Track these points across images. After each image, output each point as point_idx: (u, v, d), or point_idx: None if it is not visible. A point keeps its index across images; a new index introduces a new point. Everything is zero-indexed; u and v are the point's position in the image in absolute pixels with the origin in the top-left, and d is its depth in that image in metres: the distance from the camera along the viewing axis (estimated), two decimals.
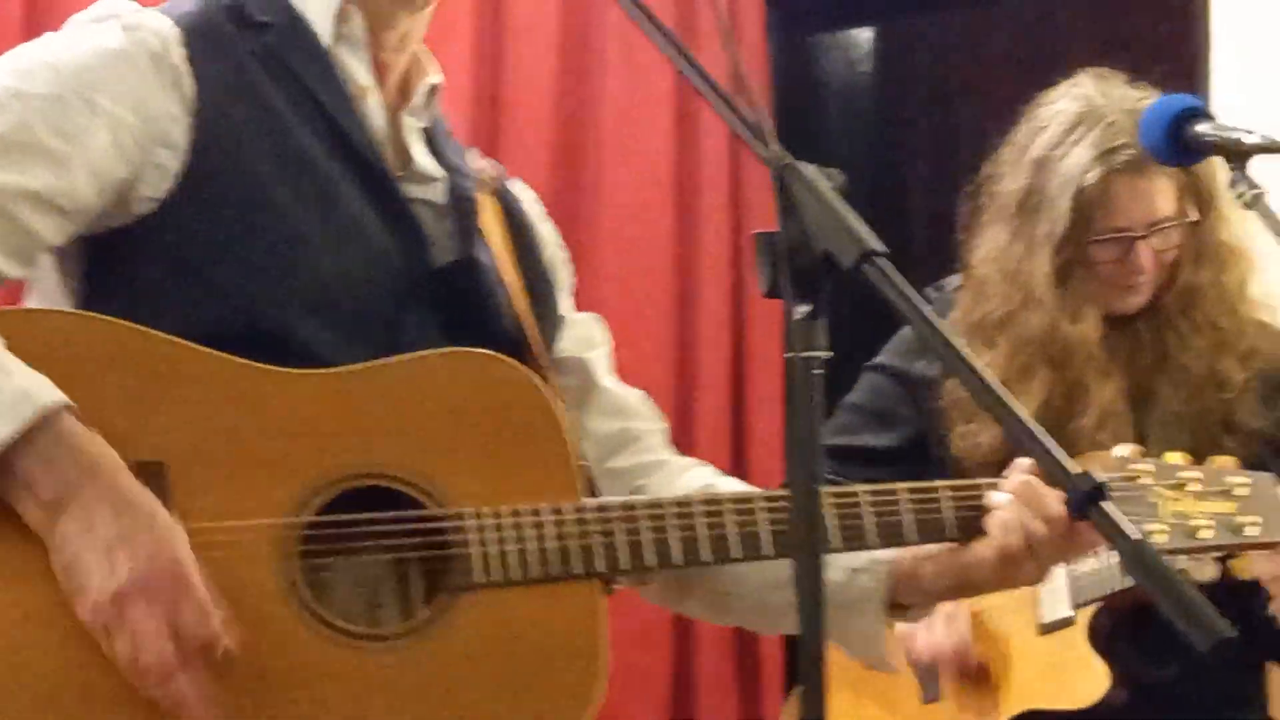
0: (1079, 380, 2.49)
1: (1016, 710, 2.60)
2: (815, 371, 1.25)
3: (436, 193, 1.80)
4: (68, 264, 1.64)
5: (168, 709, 1.43)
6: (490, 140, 3.54)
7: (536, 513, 1.63)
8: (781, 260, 1.27)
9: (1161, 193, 2.46)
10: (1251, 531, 1.90)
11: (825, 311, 1.27)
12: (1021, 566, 1.70)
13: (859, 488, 1.68)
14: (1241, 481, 1.91)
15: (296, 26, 1.75)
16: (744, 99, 1.41)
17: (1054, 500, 1.64)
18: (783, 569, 1.58)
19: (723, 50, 1.51)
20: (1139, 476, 1.88)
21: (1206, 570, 2.07)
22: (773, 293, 1.28)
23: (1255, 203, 1.98)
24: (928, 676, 2.67)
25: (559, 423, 1.68)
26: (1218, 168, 2.31)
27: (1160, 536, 1.86)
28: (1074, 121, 2.49)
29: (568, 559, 1.64)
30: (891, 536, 1.70)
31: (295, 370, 1.59)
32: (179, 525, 1.47)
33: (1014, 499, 1.68)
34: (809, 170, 1.29)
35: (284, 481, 1.55)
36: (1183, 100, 2.08)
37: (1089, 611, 2.51)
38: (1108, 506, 1.23)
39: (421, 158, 1.79)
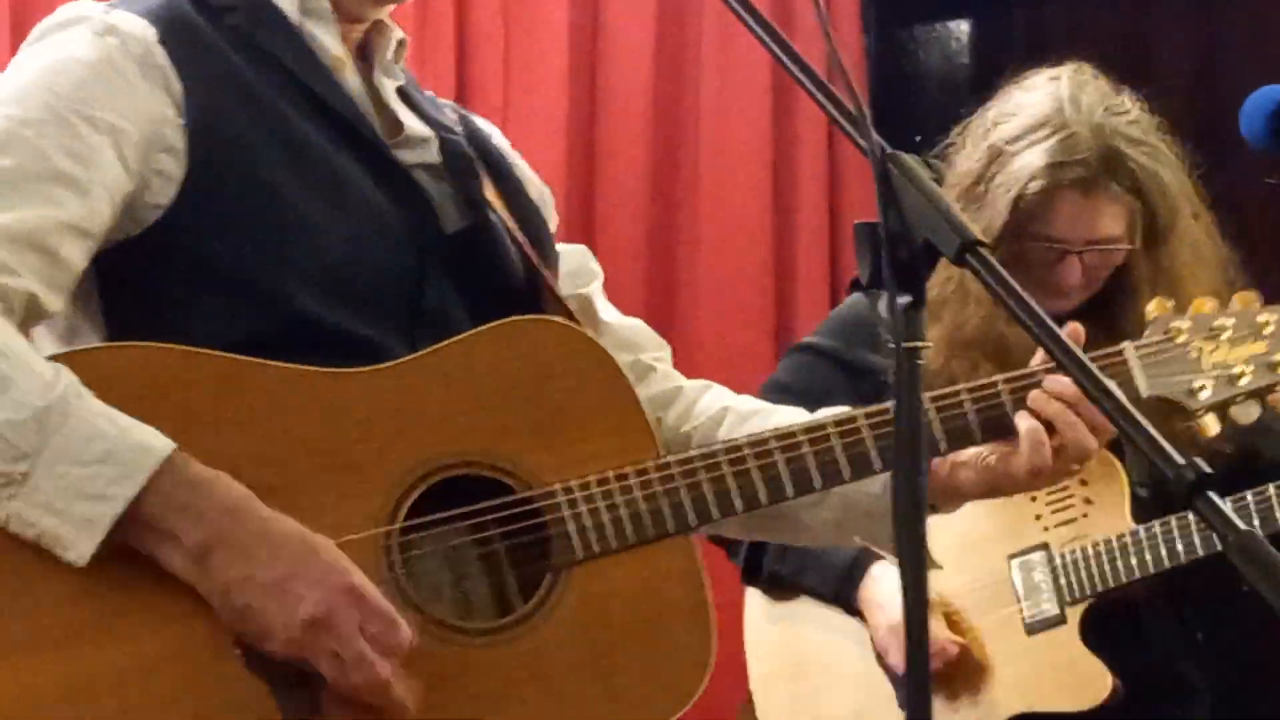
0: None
1: (1017, 710, 2.70)
2: (919, 361, 1.32)
3: (430, 154, 1.88)
4: (83, 284, 1.71)
5: (390, 714, 1.60)
6: (588, 132, 3.94)
7: (623, 476, 1.72)
8: (883, 251, 1.33)
9: (1105, 215, 2.60)
10: None
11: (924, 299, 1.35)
12: (1053, 475, 1.83)
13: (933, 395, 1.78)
14: (1268, 319, 2.01)
15: (261, 6, 1.81)
16: (842, 90, 1.47)
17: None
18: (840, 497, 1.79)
19: (822, 42, 1.55)
20: (1177, 335, 1.98)
21: (1251, 411, 2.10)
22: (874, 283, 1.35)
23: None
24: (901, 684, 2.70)
25: (622, 374, 1.77)
26: (1166, 188, 2.61)
27: (1206, 391, 1.97)
28: (1039, 121, 2.62)
29: (661, 519, 1.73)
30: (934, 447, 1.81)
31: (352, 370, 1.69)
32: (331, 543, 1.60)
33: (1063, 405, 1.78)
34: (909, 160, 1.35)
35: (370, 487, 1.65)
36: None
37: (1079, 610, 2.64)
38: (1214, 496, 1.22)
39: (410, 120, 1.87)
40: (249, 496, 1.60)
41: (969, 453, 1.84)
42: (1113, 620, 2.67)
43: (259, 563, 1.60)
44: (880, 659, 2.71)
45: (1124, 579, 2.62)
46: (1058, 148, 2.54)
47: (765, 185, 4.08)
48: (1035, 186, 2.55)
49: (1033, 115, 2.59)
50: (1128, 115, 2.59)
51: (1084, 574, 2.66)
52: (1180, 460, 1.23)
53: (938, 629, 2.63)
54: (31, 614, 1.62)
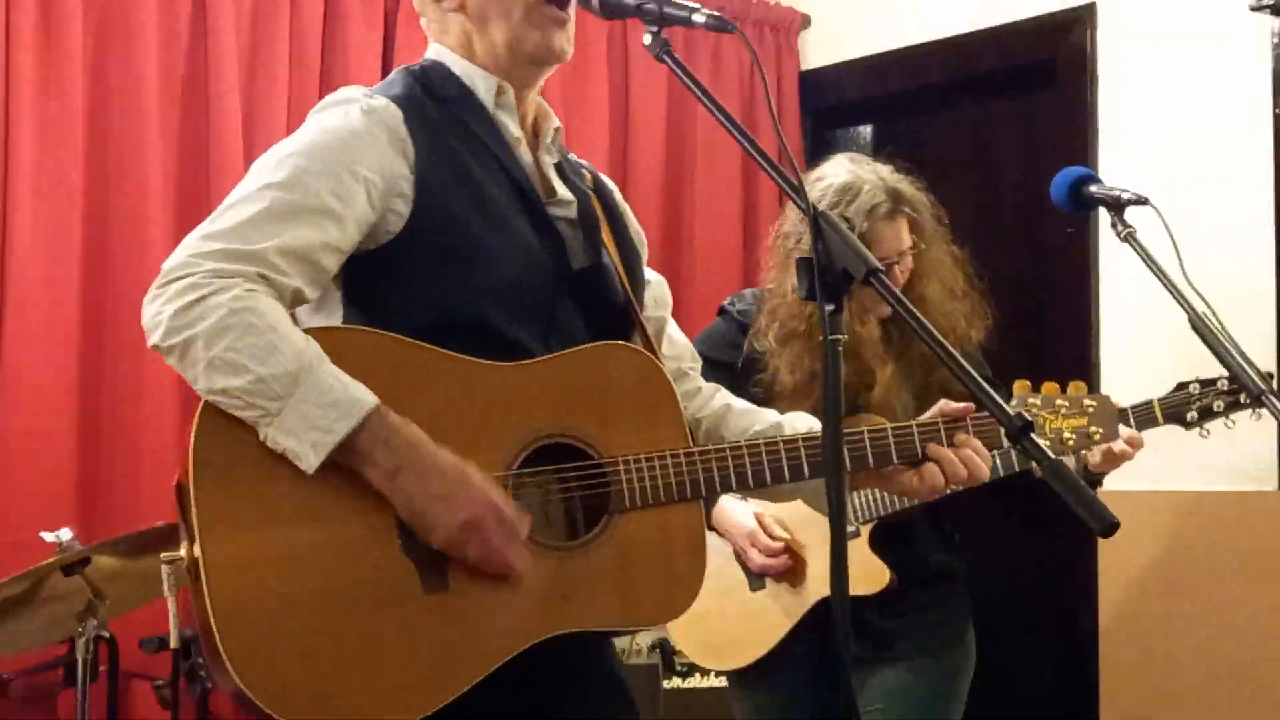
0: (868, 366, 3.09)
1: (824, 595, 3.11)
2: (839, 350, 1.69)
3: (570, 211, 2.19)
4: (336, 281, 2.04)
5: (511, 580, 1.95)
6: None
7: (663, 457, 2.07)
8: (816, 275, 1.72)
9: (903, 230, 3.10)
10: (1096, 437, 2.52)
11: (845, 309, 1.71)
12: (929, 490, 2.17)
13: (863, 429, 2.16)
14: (1090, 402, 2.50)
15: (469, 99, 2.14)
16: (788, 168, 1.85)
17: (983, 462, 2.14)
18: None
19: (774, 137, 2.07)
20: (1032, 408, 2.45)
21: (1070, 462, 2.64)
22: (810, 296, 1.72)
23: (1128, 239, 2.59)
24: (752, 573, 3.23)
25: (673, 391, 2.14)
26: (927, 207, 3.12)
27: (1045, 444, 2.13)
28: (843, 188, 3.10)
29: (684, 488, 2.08)
30: (864, 462, 2.16)
31: (498, 364, 2.02)
32: (480, 472, 1.93)
33: (966, 448, 2.15)
34: (832, 216, 1.73)
35: (499, 443, 2.01)
36: (1080, 170, 2.69)
37: (868, 528, 3.12)
38: (1035, 436, 1.66)
39: (560, 187, 2.19)
40: (426, 438, 1.92)
41: (890, 469, 2.20)
42: (891, 532, 3.11)
43: (431, 483, 1.91)
44: (739, 559, 3.20)
45: (898, 508, 3.08)
46: (865, 199, 3.06)
47: (739, 232, 4.65)
48: (864, 227, 3.03)
49: (838, 186, 3.09)
50: (889, 169, 3.14)
51: (872, 505, 3.10)
52: (1013, 413, 1.68)
53: (777, 540, 3.14)
54: (275, 501, 1.92)
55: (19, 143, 3.48)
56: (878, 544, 3.10)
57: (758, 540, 3.14)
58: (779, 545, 3.14)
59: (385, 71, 3.87)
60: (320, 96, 3.24)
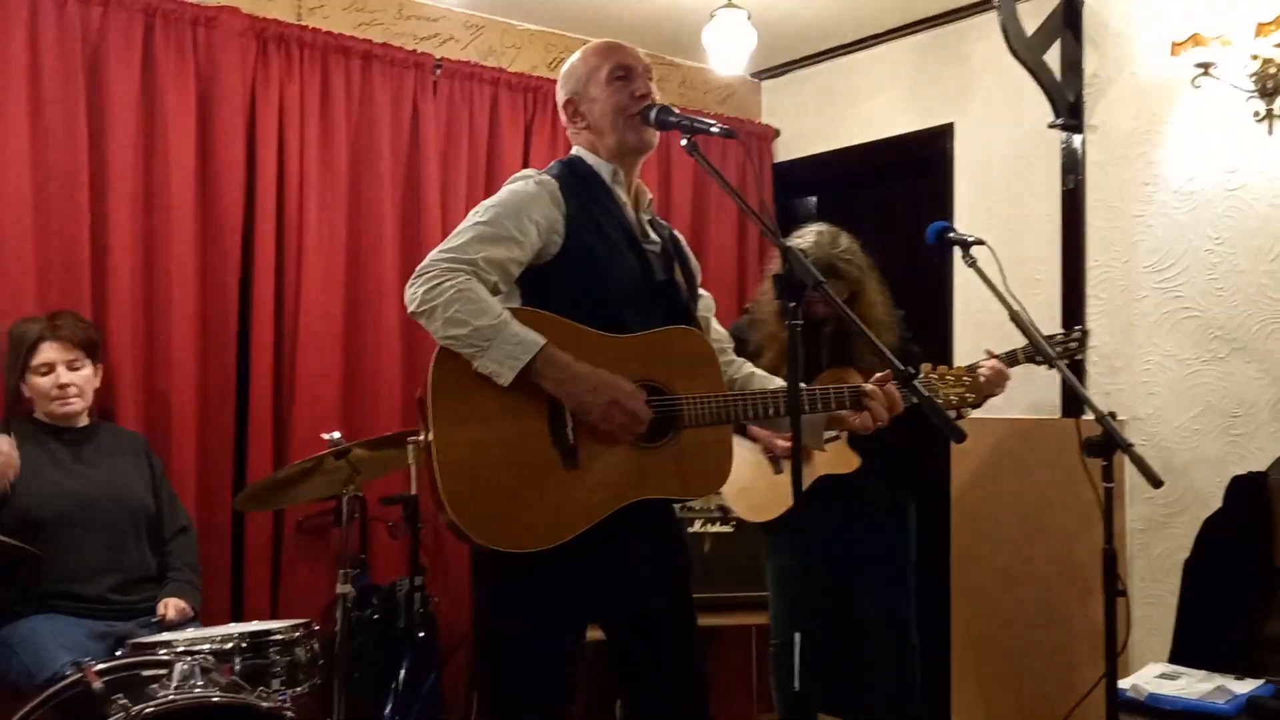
0: (813, 354, 3.20)
1: (820, 474, 3.26)
2: (798, 333, 1.82)
3: (656, 248, 2.29)
4: (516, 285, 2.14)
5: (636, 434, 2.04)
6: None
7: (708, 397, 2.16)
8: (784, 285, 1.87)
9: (836, 285, 3.12)
10: (969, 398, 2.52)
11: (802, 306, 1.82)
12: (864, 426, 2.23)
13: (816, 388, 2.21)
14: (969, 378, 2.54)
15: (596, 177, 2.24)
16: (769, 217, 2.15)
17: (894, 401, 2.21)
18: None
19: (758, 201, 2.45)
20: (931, 379, 2.52)
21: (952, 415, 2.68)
22: (780, 297, 1.86)
23: (972, 265, 2.61)
24: (775, 461, 3.34)
25: (716, 358, 2.25)
26: (859, 259, 3.19)
27: (941, 401, 2.45)
28: (807, 247, 3.14)
29: (720, 416, 2.16)
30: (829, 405, 2.23)
31: (610, 334, 2.12)
32: (621, 379, 2.04)
33: (877, 398, 2.21)
34: (793, 249, 1.88)
35: None
36: (942, 223, 2.74)
37: (845, 434, 3.16)
38: (916, 383, 1.90)
39: (650, 233, 2.30)
40: (576, 360, 2.01)
41: (840, 412, 2.23)
42: (862, 439, 2.89)
43: (585, 383, 2.02)
44: (767, 453, 3.30)
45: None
46: (814, 256, 3.10)
47: (733, 266, 4.65)
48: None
49: (804, 245, 3.16)
50: (841, 247, 3.20)
51: None
52: (902, 368, 1.88)
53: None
54: (480, 406, 2.01)
55: (308, 207, 3.62)
56: (854, 444, 3.25)
57: (776, 439, 3.29)
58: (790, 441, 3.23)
59: (525, 162, 4.05)
60: (486, 179, 4.03)
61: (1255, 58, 3.19)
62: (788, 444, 2.96)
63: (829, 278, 3.10)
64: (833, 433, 3.00)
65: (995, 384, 2.96)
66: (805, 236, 3.24)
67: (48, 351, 2.97)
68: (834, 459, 3.29)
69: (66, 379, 2.99)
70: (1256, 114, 3.23)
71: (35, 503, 2.88)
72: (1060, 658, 3.64)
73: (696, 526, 3.92)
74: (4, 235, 3.13)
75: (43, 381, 2.98)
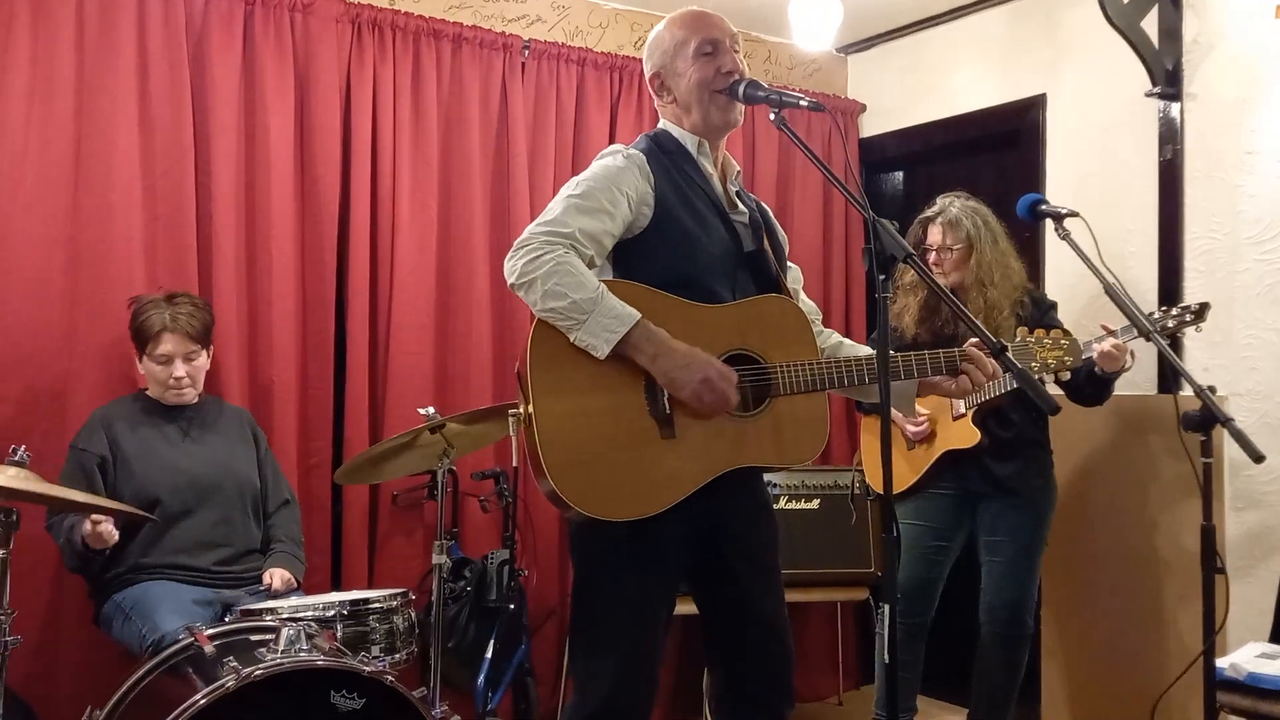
0: (947, 318, 3.31)
1: (946, 448, 3.31)
2: (888, 305, 1.80)
3: (744, 218, 2.28)
4: (608, 256, 2.16)
5: (729, 410, 2.04)
6: None
7: (802, 365, 2.15)
8: (872, 257, 1.82)
9: (935, 231, 3.33)
10: (1067, 361, 2.54)
11: (892, 280, 1.80)
12: (962, 391, 2.23)
13: (910, 354, 2.22)
14: (1066, 341, 2.57)
15: (683, 151, 2.24)
16: (855, 189, 2.15)
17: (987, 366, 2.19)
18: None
19: (846, 174, 2.46)
20: (1029, 344, 2.55)
21: (1046, 378, 2.78)
22: (870, 272, 1.80)
23: (1065, 238, 2.73)
24: (908, 439, 3.39)
25: (809, 325, 2.24)
26: (970, 221, 3.30)
27: (1036, 367, 2.49)
28: (933, 204, 3.41)
29: (814, 383, 2.15)
30: (924, 372, 2.22)
31: (701, 304, 2.13)
32: (713, 358, 2.04)
33: (974, 364, 2.20)
34: (883, 220, 1.83)
35: (708, 353, 2.08)
36: (1035, 195, 2.89)
37: (971, 410, 3.26)
38: (1009, 355, 1.86)
39: (739, 204, 2.30)
40: (670, 336, 2.01)
41: (936, 378, 2.23)
42: (994, 413, 3.25)
43: (678, 359, 2.01)
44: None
45: (985, 398, 3.19)
46: (932, 211, 3.39)
47: (818, 237, 4.64)
48: (917, 229, 3.36)
49: (931, 210, 3.40)
50: (964, 202, 3.37)
51: (972, 397, 3.19)
52: (995, 341, 1.85)
53: (920, 418, 3.33)
54: (577, 378, 2.02)
55: (401, 188, 3.66)
56: (979, 421, 3.24)
57: (907, 424, 3.34)
58: (922, 422, 3.32)
59: (611, 140, 4.04)
60: (573, 158, 4.11)
61: None
62: (915, 427, 3.33)
63: (948, 228, 3.30)
64: (961, 409, 3.28)
65: (1115, 359, 2.96)
66: (940, 197, 3.40)
67: (168, 343, 3.04)
68: (956, 434, 3.28)
69: (181, 372, 3.05)
70: None
71: (149, 482, 2.97)
72: (1154, 636, 3.59)
73: (783, 503, 3.91)
74: (116, 220, 3.24)
75: (159, 370, 3.05)
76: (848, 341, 2.40)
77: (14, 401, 3.09)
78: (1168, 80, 3.57)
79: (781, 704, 2.24)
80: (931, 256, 3.31)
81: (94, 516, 2.72)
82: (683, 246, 2.13)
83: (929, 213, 3.39)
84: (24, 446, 2.31)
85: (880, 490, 3.18)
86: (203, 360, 3.15)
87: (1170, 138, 3.62)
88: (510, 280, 2.03)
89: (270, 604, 2.72)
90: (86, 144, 3.21)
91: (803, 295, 2.38)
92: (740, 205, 2.29)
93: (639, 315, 2.00)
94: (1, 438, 2.94)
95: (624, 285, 2.08)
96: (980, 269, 3.26)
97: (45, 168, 3.16)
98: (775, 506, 3.87)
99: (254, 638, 2.51)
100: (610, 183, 2.10)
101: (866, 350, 2.33)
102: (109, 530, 2.76)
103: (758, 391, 2.14)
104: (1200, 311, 2.97)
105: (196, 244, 3.37)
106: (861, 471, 3.70)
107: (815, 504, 3.90)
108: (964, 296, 3.27)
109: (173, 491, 2.98)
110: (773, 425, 2.14)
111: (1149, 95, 3.61)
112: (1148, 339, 2.68)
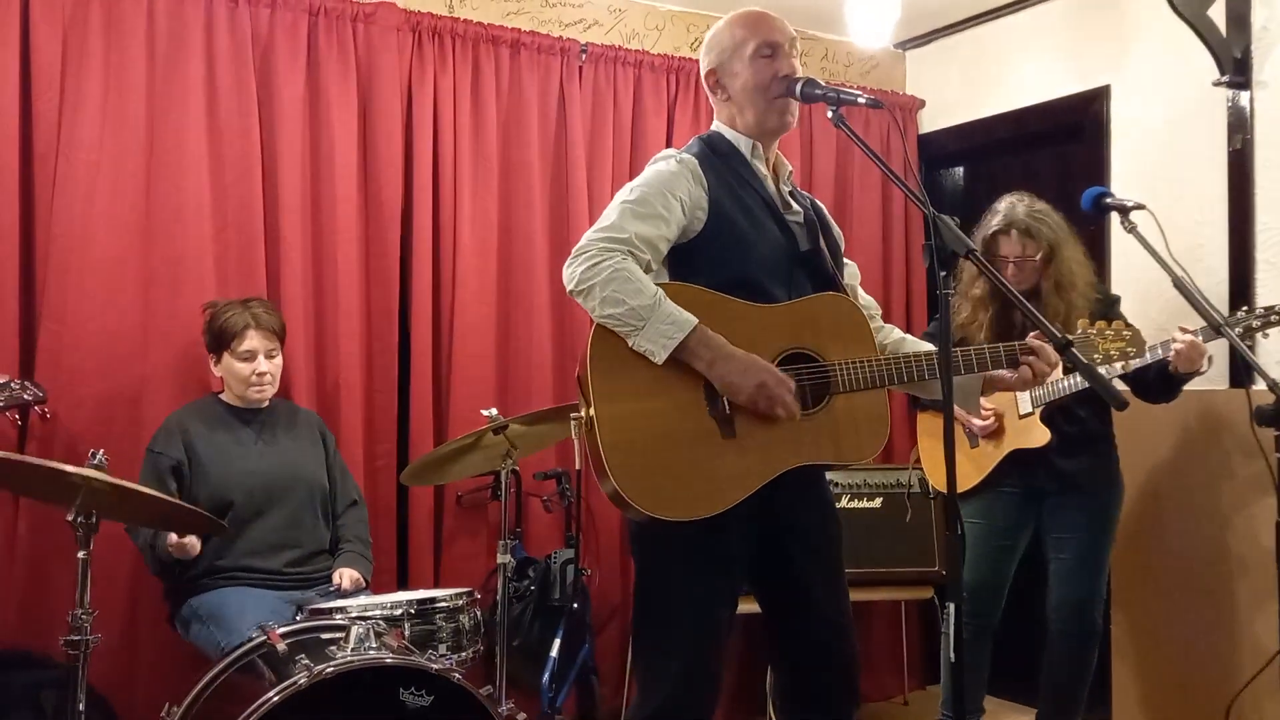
0: (1012, 320, 3.22)
1: (1012, 448, 3.26)
2: (950, 301, 1.86)
3: (799, 218, 2.28)
4: (664, 260, 2.17)
5: (786, 418, 2.04)
6: None
7: (861, 363, 2.16)
8: (933, 253, 1.82)
9: (1012, 242, 3.20)
10: (1130, 352, 2.48)
11: (954, 277, 1.89)
12: (1024, 384, 2.21)
13: (970, 348, 2.22)
14: (1128, 332, 2.50)
15: (736, 153, 2.25)
16: (915, 186, 1.93)
17: (1051, 356, 2.18)
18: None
19: (905, 171, 2.51)
20: (1091, 335, 2.46)
21: (1115, 370, 2.78)
22: (931, 269, 1.79)
23: (1132, 231, 2.68)
24: (972, 436, 3.35)
25: (867, 322, 2.23)
26: (1046, 226, 3.19)
27: (1098, 356, 2.43)
28: (996, 213, 3.27)
29: (874, 380, 2.16)
30: (985, 365, 2.21)
31: (758, 305, 2.14)
32: (770, 365, 2.06)
33: (1036, 355, 2.19)
34: (943, 216, 1.83)
35: (764, 353, 2.10)
36: (1100, 188, 2.90)
37: (1039, 409, 3.21)
38: (1073, 349, 1.83)
39: (792, 204, 2.29)
40: (727, 341, 2.04)
41: (997, 371, 2.24)
42: (1061, 410, 3.19)
43: (735, 364, 2.03)
44: (963, 427, 3.31)
45: (1054, 396, 3.15)
46: (998, 220, 3.24)
47: (877, 236, 4.58)
48: (985, 237, 3.24)
49: (994, 214, 3.27)
50: (1036, 208, 3.25)
51: (1040, 395, 3.16)
52: (1059, 334, 1.84)
53: (987, 414, 3.27)
54: (637, 382, 2.04)
55: (461, 194, 3.70)
56: (1045, 418, 3.21)
57: (973, 419, 3.28)
58: (989, 416, 3.28)
59: (668, 142, 4.07)
60: (631, 161, 4.09)
61: None
62: (982, 422, 3.30)
63: (1025, 237, 3.20)
64: (1028, 406, 3.24)
65: (1192, 359, 2.92)
66: (1000, 203, 3.31)
67: (252, 340, 3.09)
68: (1024, 433, 3.25)
69: (265, 368, 3.11)
70: None
71: (224, 486, 3.02)
72: (1228, 635, 3.53)
73: (844, 501, 3.90)
74: (187, 228, 3.31)
75: (243, 367, 3.10)
76: (910, 337, 2.39)
77: (91, 407, 3.15)
78: (1236, 69, 3.49)
79: (847, 704, 2.23)
80: (1009, 270, 3.23)
81: (172, 535, 2.79)
82: (738, 249, 2.14)
83: (995, 224, 3.27)
84: (102, 451, 2.35)
85: (943, 488, 3.22)
86: (279, 360, 3.19)
87: (1239, 127, 3.56)
88: (569, 287, 2.06)
89: (339, 603, 2.74)
90: (158, 154, 3.28)
91: (860, 291, 2.38)
92: (794, 205, 2.29)
93: (696, 321, 2.01)
94: (79, 443, 3.02)
95: (681, 288, 2.09)
96: (1060, 273, 3.22)
97: (119, 177, 3.23)
98: (838, 505, 3.79)
99: (324, 636, 2.54)
100: (664, 188, 2.11)
101: (928, 346, 2.32)
102: (193, 542, 2.84)
103: (816, 390, 2.14)
104: None
105: (265, 250, 3.42)
106: (920, 470, 3.69)
107: (878, 503, 3.89)
108: (1041, 302, 3.20)
109: (246, 494, 3.03)
110: (832, 423, 2.15)
111: (1216, 84, 3.54)
112: (1218, 332, 2.65)
